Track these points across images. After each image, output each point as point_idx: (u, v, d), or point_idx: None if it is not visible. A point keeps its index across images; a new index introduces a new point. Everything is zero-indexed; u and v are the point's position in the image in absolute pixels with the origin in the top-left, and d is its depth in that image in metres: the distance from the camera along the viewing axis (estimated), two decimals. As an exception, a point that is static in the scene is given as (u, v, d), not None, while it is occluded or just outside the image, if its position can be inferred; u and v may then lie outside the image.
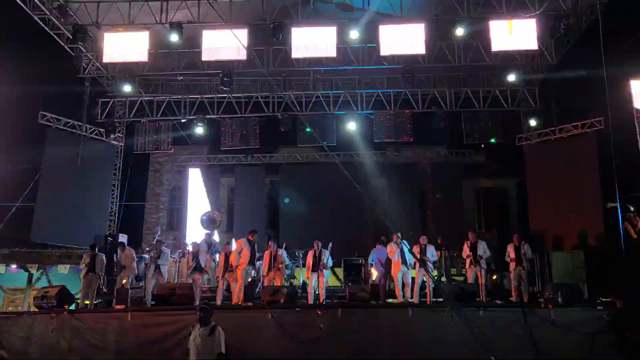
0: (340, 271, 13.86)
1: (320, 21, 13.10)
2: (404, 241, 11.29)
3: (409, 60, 13.57)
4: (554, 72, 14.37)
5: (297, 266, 13.18)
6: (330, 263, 11.60)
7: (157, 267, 11.57)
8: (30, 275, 16.93)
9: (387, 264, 12.50)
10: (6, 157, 15.29)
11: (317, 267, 11.26)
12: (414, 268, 11.43)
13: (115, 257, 11.99)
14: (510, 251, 11.37)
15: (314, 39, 12.90)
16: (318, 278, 11.29)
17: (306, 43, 12.90)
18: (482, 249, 11.52)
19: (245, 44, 12.72)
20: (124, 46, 13.05)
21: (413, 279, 11.32)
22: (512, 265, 11.32)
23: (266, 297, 10.50)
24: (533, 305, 10.33)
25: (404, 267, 11.12)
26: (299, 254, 13.13)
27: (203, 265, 11.51)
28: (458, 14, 12.54)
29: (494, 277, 12.95)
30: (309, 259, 11.48)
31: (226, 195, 19.41)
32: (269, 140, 16.84)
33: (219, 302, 11.18)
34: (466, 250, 11.63)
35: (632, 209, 11.60)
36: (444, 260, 12.90)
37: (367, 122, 15.51)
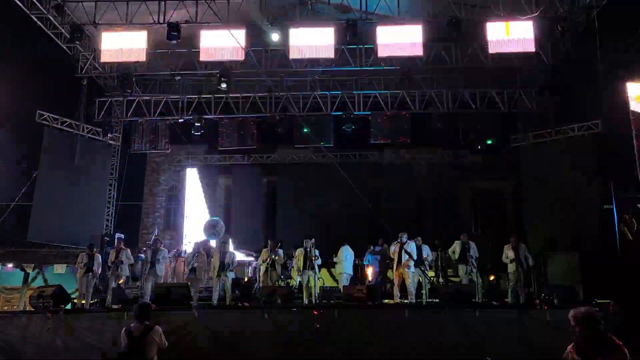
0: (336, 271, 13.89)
1: (318, 22, 13.13)
2: (410, 242, 11.32)
3: (406, 62, 13.60)
4: (550, 74, 14.43)
5: (293, 266, 13.18)
6: (318, 261, 11.64)
7: (154, 267, 11.56)
8: (27, 275, 16.86)
9: (382, 264, 12.54)
10: (3, 156, 15.26)
11: (307, 265, 11.32)
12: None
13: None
14: (509, 252, 11.38)
15: (311, 39, 12.91)
16: (311, 277, 11.33)
17: (304, 44, 12.91)
18: (473, 250, 11.57)
19: (243, 45, 12.74)
20: (122, 46, 13.04)
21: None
22: (511, 266, 11.32)
23: (263, 297, 10.52)
24: (529, 307, 10.37)
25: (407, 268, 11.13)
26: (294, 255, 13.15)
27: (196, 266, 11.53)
28: (455, 15, 12.58)
29: (491, 279, 12.99)
30: (300, 258, 11.53)
31: (223, 196, 19.40)
32: (266, 140, 16.85)
33: (214, 302, 11.19)
34: (457, 251, 11.68)
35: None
36: (440, 261, 12.95)
37: (364, 123, 15.54)
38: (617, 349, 3.74)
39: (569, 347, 3.99)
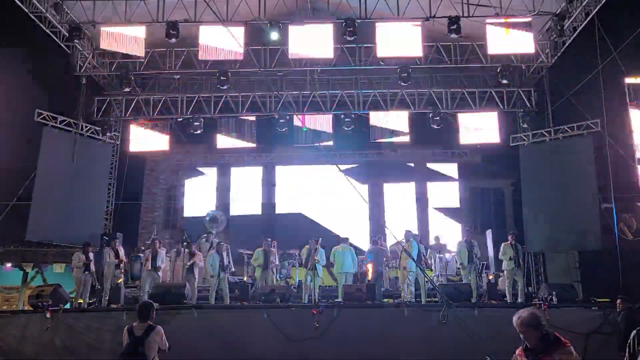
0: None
1: (317, 21, 13.11)
2: (412, 240, 11.32)
3: (406, 61, 13.59)
4: (549, 73, 14.42)
5: (292, 266, 13.19)
6: (323, 261, 11.62)
7: (153, 266, 11.56)
8: (26, 274, 16.86)
9: (381, 264, 12.54)
10: (1, 155, 15.23)
11: (308, 264, 11.33)
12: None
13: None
14: (507, 250, 11.38)
15: (311, 38, 12.89)
16: (310, 276, 11.34)
17: (303, 43, 12.90)
18: (476, 248, 11.57)
19: (242, 43, 12.72)
20: (121, 43, 13.02)
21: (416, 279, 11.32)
22: (507, 264, 11.33)
23: (262, 297, 10.53)
24: (528, 305, 10.36)
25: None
26: (295, 255, 13.15)
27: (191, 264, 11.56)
28: (455, 14, 12.56)
29: (490, 277, 13.01)
30: (303, 257, 11.56)
31: (222, 195, 19.38)
32: (265, 139, 16.83)
33: (212, 302, 11.19)
34: (462, 249, 11.67)
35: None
36: (439, 260, 12.96)
37: (363, 122, 15.52)
38: (563, 345, 3.76)
39: (517, 350, 4.00)
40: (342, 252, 12.05)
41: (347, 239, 12.61)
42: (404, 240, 11.28)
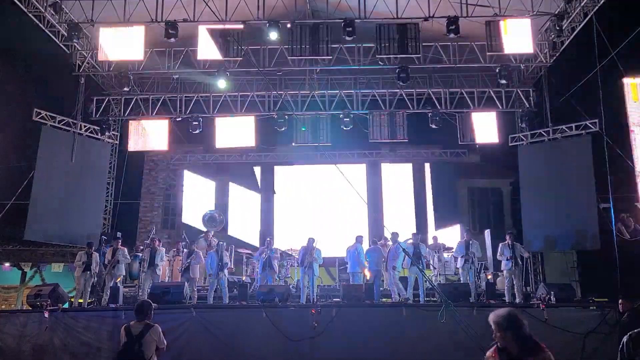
0: (334, 270, 13.92)
1: (316, 20, 13.10)
2: (400, 242, 11.34)
3: (405, 61, 13.60)
4: (548, 73, 14.44)
5: (291, 265, 13.20)
6: (321, 260, 11.64)
7: (152, 266, 11.56)
8: (24, 274, 16.86)
9: (377, 263, 12.56)
10: (0, 154, 15.22)
11: (304, 263, 11.36)
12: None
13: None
14: (505, 250, 11.41)
15: (309, 38, 12.87)
16: (308, 275, 11.36)
17: (302, 43, 12.88)
18: (476, 248, 11.59)
19: (241, 43, 12.71)
20: (120, 44, 12.99)
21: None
22: (505, 264, 11.35)
23: (260, 296, 10.53)
24: (526, 305, 10.40)
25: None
26: (294, 254, 13.16)
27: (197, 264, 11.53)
28: (454, 14, 12.56)
29: (489, 277, 13.03)
30: (300, 257, 11.59)
31: (221, 195, 19.39)
32: (264, 139, 16.81)
33: (210, 301, 11.19)
34: (460, 250, 11.69)
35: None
36: (438, 259, 12.98)
37: (362, 122, 15.52)
38: (541, 351, 3.57)
39: (489, 351, 3.79)
40: (349, 252, 12.22)
41: (360, 237, 12.57)
42: (391, 241, 11.33)
